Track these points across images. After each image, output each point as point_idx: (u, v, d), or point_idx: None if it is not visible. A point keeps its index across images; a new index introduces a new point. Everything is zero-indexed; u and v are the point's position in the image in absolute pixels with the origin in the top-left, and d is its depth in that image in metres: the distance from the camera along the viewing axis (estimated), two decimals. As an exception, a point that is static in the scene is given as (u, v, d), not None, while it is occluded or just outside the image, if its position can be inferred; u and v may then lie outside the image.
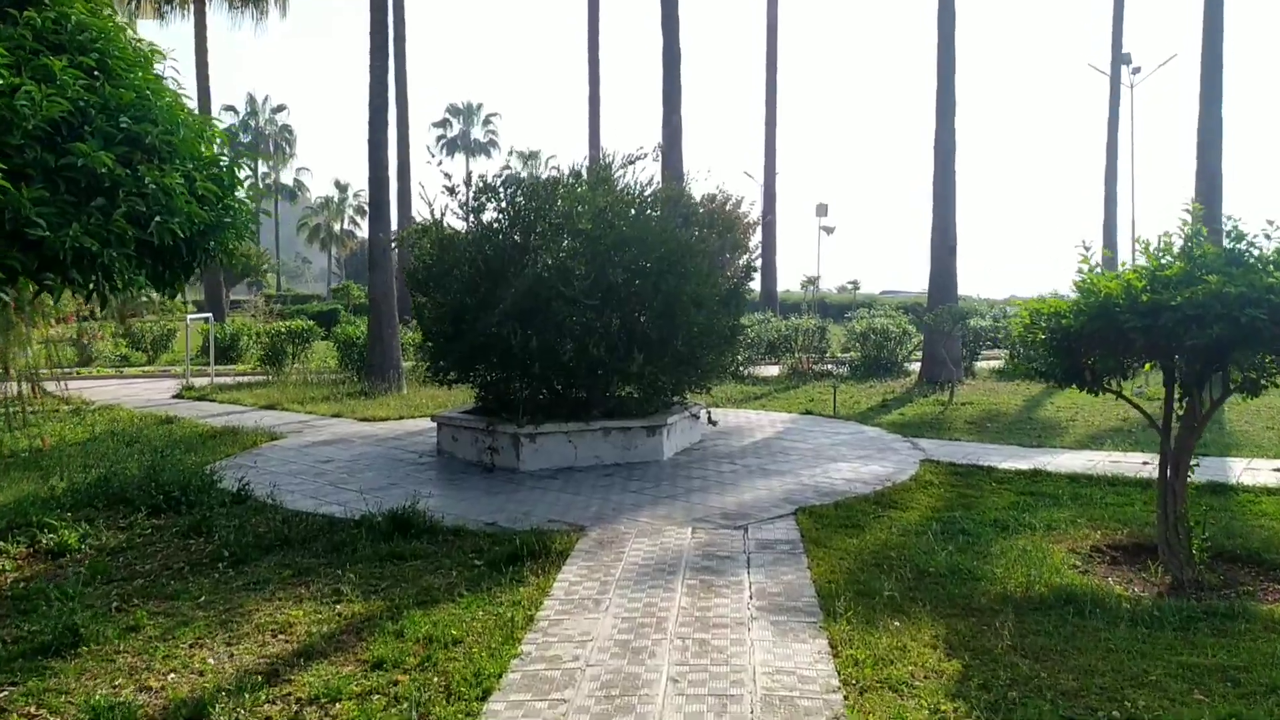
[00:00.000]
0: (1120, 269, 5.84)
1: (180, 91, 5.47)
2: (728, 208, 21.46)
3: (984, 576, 5.76)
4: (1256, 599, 5.40)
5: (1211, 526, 6.39)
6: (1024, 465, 9.26)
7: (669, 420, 10.05)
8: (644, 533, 6.85)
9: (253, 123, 75.59)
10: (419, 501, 7.26)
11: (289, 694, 4.19)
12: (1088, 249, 6.07)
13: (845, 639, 4.71)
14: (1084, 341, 5.82)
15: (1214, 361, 5.56)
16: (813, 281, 46.37)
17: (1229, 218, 5.50)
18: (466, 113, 79.33)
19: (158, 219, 4.79)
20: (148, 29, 32.23)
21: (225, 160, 5.55)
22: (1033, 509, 7.52)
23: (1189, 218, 5.77)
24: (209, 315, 25.86)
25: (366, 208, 19.23)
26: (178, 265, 5.40)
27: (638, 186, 10.75)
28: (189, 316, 23.02)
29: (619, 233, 9.65)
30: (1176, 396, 5.93)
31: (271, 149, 75.67)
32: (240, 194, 5.64)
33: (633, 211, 10.27)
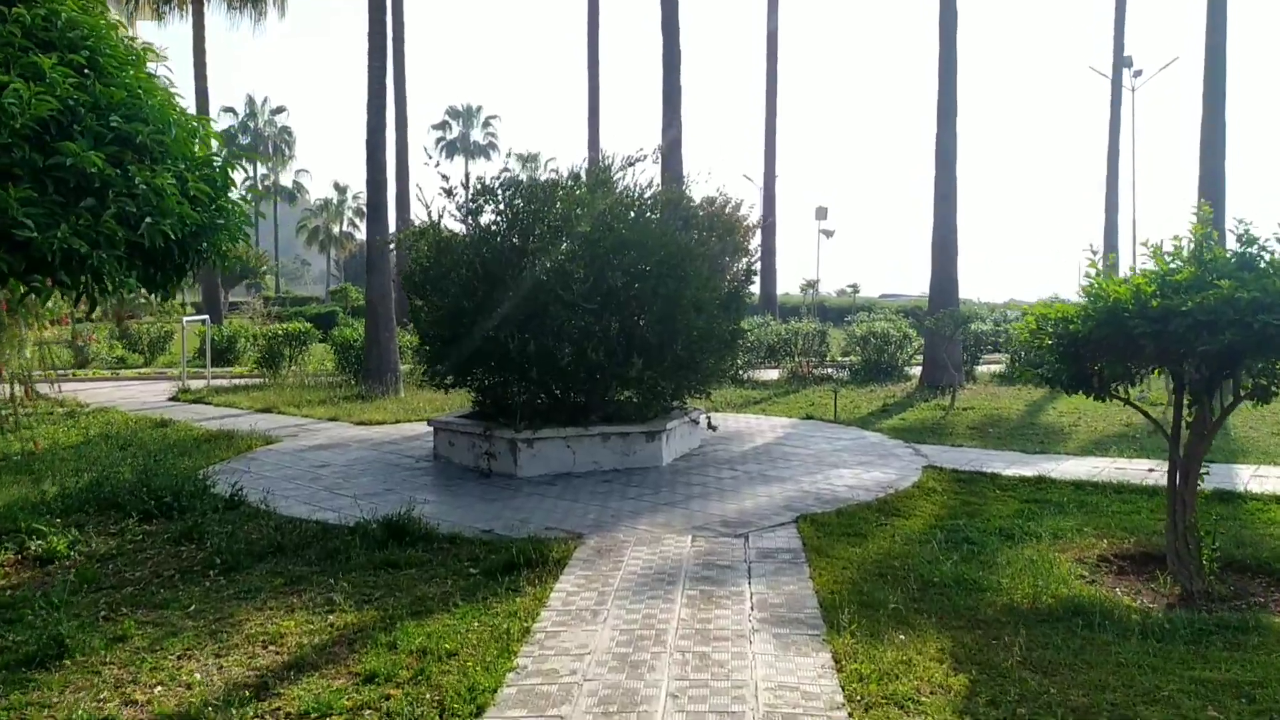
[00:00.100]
0: (1128, 272, 5.74)
1: (173, 90, 5.36)
2: (728, 211, 21.27)
3: (990, 587, 5.65)
4: (1269, 611, 5.29)
5: (1221, 536, 6.28)
6: (1028, 472, 9.15)
7: (668, 425, 9.94)
8: (643, 541, 6.73)
9: (252, 124, 75.57)
10: (414, 508, 7.15)
11: (278, 708, 4.08)
12: (1095, 253, 5.98)
13: (849, 652, 4.59)
14: (1092, 347, 5.72)
15: (1225, 368, 5.47)
16: (812, 285, 46.36)
17: (1240, 221, 5.39)
18: (466, 115, 79.24)
19: (148, 220, 4.68)
20: (146, 29, 32.11)
21: (218, 160, 5.43)
22: (1038, 517, 7.41)
23: (1197, 219, 5.67)
24: (206, 317, 25.73)
25: (365, 209, 19.12)
26: (169, 267, 5.28)
27: (637, 189, 10.61)
28: (186, 318, 22.87)
29: (618, 236, 9.53)
30: (1185, 403, 5.84)
31: (271, 151, 75.63)
32: (234, 195, 5.53)
33: (632, 214, 10.15)
